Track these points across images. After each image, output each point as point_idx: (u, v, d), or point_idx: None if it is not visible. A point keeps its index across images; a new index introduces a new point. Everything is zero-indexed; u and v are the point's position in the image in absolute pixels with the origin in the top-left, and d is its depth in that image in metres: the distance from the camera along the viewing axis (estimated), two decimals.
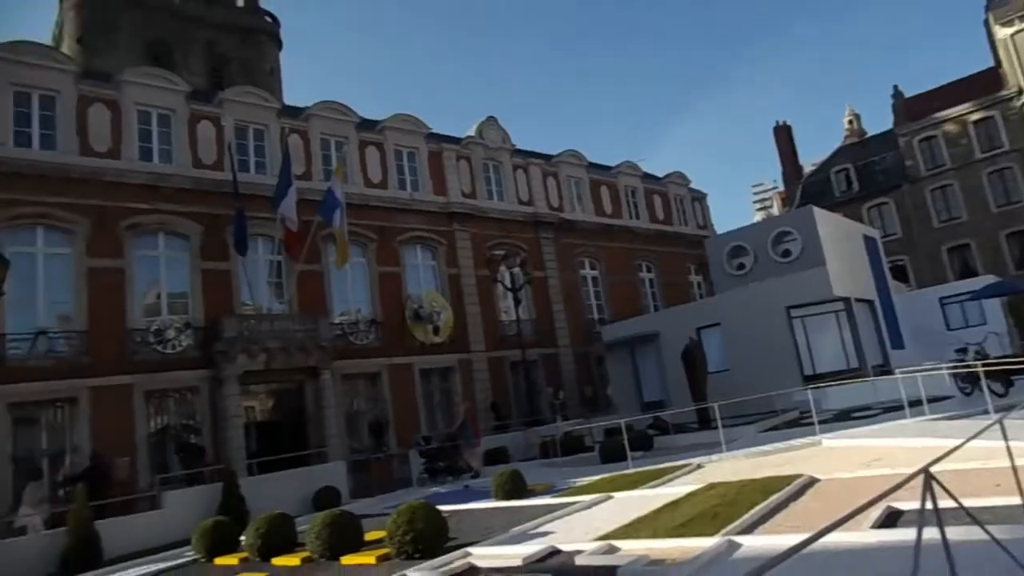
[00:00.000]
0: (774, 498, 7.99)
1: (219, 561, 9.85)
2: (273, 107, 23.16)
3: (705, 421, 16.97)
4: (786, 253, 23.65)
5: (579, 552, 6.81)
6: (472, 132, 28.40)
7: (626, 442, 14.25)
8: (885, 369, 20.65)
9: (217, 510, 12.79)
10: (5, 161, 17.42)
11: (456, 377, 24.83)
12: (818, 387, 16.32)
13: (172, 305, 19.68)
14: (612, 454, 15.14)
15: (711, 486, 9.68)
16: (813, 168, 51.00)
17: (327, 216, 20.81)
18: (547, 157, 31.42)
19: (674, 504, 8.76)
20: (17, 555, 11.39)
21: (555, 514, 9.47)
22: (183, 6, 34.96)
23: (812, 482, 8.92)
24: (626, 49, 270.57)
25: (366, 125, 25.22)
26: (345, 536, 8.50)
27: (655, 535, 7.06)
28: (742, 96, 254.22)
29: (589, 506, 9.92)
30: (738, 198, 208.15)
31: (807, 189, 45.08)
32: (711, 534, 6.69)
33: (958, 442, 4.42)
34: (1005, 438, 4.98)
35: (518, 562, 6.72)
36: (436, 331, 24.34)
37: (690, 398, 18.65)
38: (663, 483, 11.02)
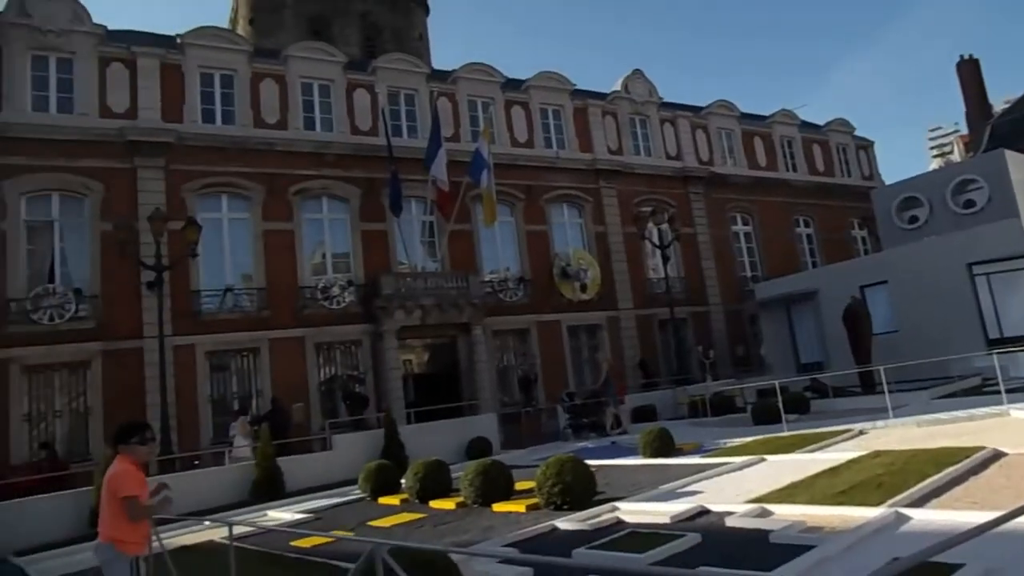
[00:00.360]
0: (950, 470, 7.37)
1: (382, 500, 10.67)
2: (422, 72, 23.87)
3: (869, 385, 15.89)
4: (969, 204, 21.29)
5: (730, 513, 6.70)
6: (618, 87, 27.73)
7: (780, 403, 13.67)
8: None
9: (380, 454, 13.81)
10: (195, 136, 19.36)
11: (604, 334, 24.89)
12: (1007, 351, 14.70)
13: (336, 264, 21.15)
14: (765, 416, 14.61)
15: (876, 454, 9.11)
16: (1005, 107, 44.98)
17: (475, 177, 21.35)
18: (696, 109, 30.07)
19: (833, 470, 8.34)
20: (218, 481, 13.03)
21: (704, 474, 9.34)
22: None
23: (997, 456, 8.12)
24: None
25: (511, 85, 25.37)
26: (496, 484, 8.89)
27: (812, 501, 6.77)
28: (918, 31, 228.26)
29: (740, 467, 9.69)
30: (910, 145, 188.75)
31: (997, 131, 39.86)
32: (875, 504, 6.32)
33: None
34: None
35: (666, 519, 6.72)
36: (583, 288, 24.44)
37: (852, 360, 17.49)
38: (821, 448, 10.52)
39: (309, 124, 21.34)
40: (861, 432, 11.75)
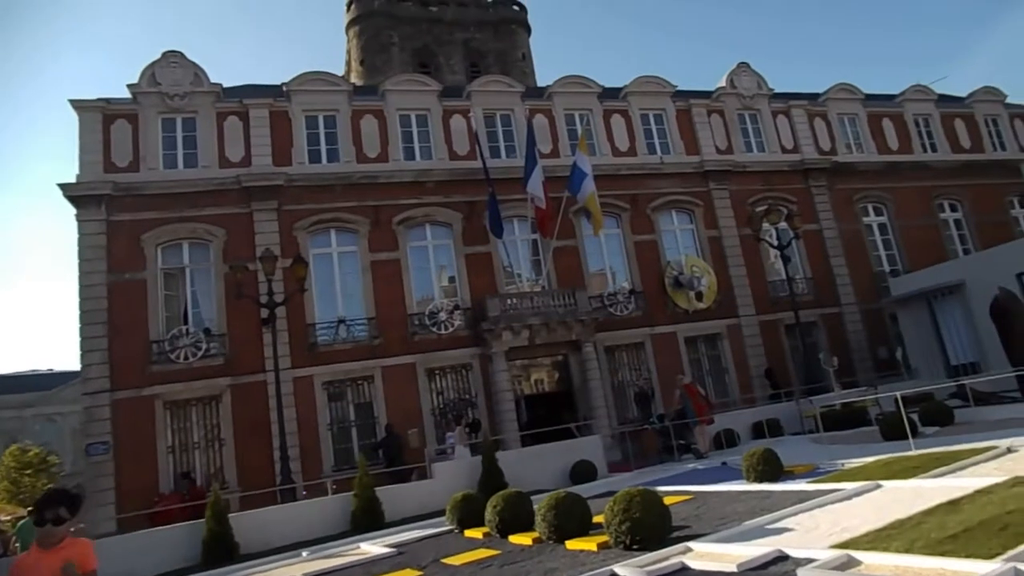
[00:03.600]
0: None
1: (468, 533, 10.45)
2: (517, 91, 23.87)
3: None
4: None
5: (809, 560, 5.86)
6: (723, 83, 26.36)
7: (904, 415, 12.10)
8: None
9: (479, 482, 13.66)
10: (304, 177, 20.44)
11: (724, 344, 23.65)
12: None
13: (443, 289, 21.48)
14: (897, 430, 13.02)
15: (1016, 481, 7.70)
16: None
17: (573, 189, 21.03)
18: (813, 97, 27.97)
19: (953, 504, 7.11)
20: (322, 512, 13.39)
21: (804, 504, 8.37)
22: (441, 12, 37.99)
23: None
24: None
25: (609, 94, 24.80)
26: (571, 518, 8.42)
27: (910, 548, 5.73)
28: None
29: (849, 496, 8.58)
30: None
31: None
32: (990, 556, 5.14)
33: None
34: None
35: (732, 568, 6.00)
36: (699, 297, 23.36)
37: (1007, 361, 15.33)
38: (951, 472, 9.13)
39: (409, 154, 21.92)
40: (1009, 450, 10.12)
